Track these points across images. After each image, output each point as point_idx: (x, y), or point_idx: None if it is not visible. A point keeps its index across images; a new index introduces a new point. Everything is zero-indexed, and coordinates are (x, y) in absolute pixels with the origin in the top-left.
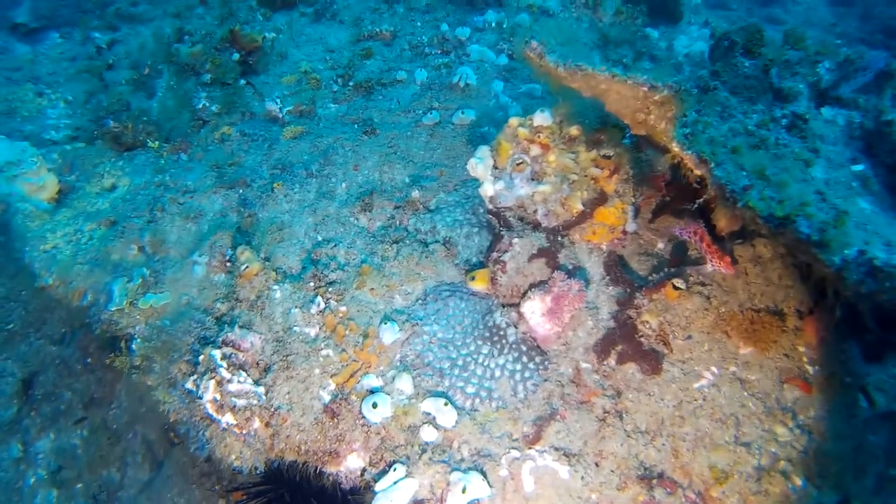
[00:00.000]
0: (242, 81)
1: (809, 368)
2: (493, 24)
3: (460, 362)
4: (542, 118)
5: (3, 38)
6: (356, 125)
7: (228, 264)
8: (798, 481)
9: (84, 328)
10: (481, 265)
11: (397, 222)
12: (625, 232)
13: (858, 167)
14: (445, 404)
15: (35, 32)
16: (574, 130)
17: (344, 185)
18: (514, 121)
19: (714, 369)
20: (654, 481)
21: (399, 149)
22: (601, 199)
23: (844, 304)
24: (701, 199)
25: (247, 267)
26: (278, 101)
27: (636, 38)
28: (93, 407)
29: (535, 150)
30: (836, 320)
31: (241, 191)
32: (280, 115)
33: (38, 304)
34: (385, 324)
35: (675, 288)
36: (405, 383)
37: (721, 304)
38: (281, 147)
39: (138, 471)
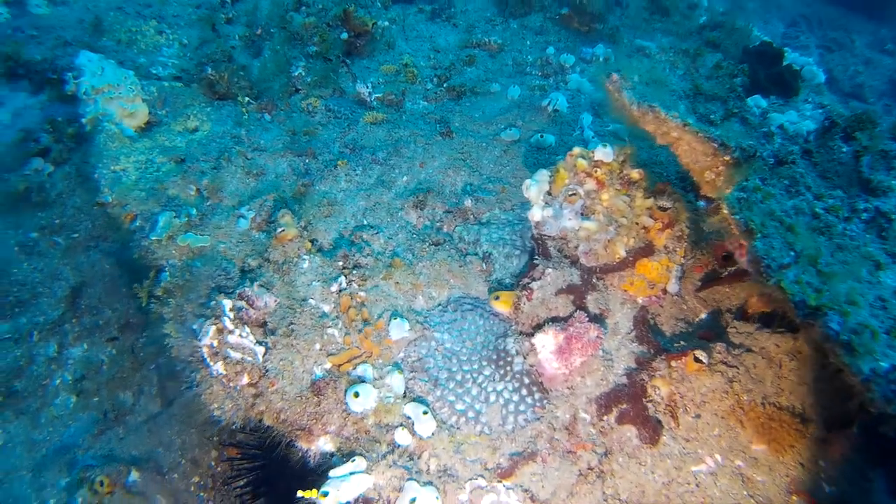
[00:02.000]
0: (342, 60)
1: (825, 487)
2: (601, 59)
3: (458, 377)
4: (603, 153)
5: None
6: (436, 124)
7: (271, 225)
8: None
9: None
10: (511, 288)
11: (444, 227)
12: (665, 291)
13: None
14: (424, 413)
15: None
16: (635, 174)
17: (405, 178)
18: (576, 150)
19: (718, 457)
20: None
21: (470, 157)
22: (647, 250)
23: (868, 424)
24: (734, 268)
25: (283, 230)
26: (370, 85)
27: (730, 96)
28: (127, 330)
29: (591, 184)
30: (857, 440)
31: (307, 160)
32: (368, 100)
33: (104, 220)
34: (396, 319)
35: (696, 360)
36: (397, 382)
37: (744, 392)
38: (358, 129)
39: (150, 402)
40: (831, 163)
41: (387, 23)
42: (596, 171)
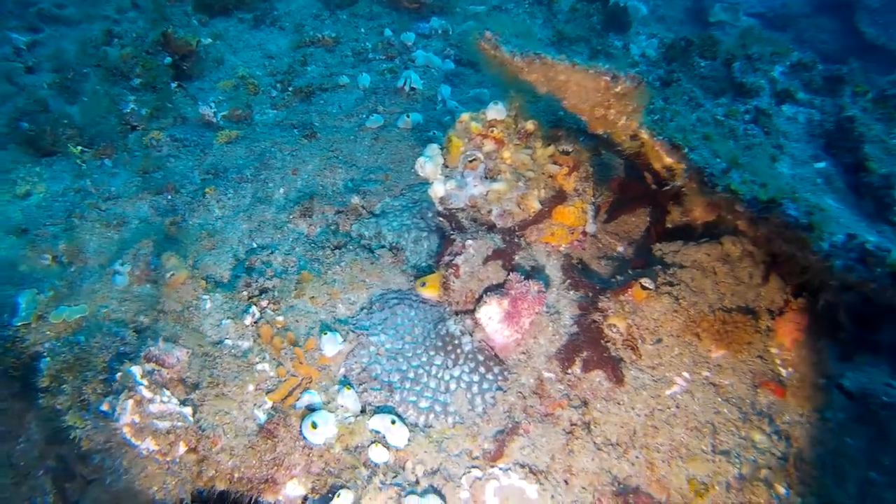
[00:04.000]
0: (174, 85)
1: (783, 371)
2: (439, 31)
3: (411, 375)
4: (496, 111)
5: None
6: (296, 129)
7: (153, 273)
8: (781, 489)
9: None
10: (431, 270)
11: (339, 228)
12: (584, 233)
13: (821, 164)
14: (393, 422)
15: None
16: (530, 125)
17: (282, 189)
18: (465, 116)
19: (686, 374)
20: (630, 497)
21: (341, 153)
22: (560, 197)
23: (821, 301)
24: (669, 187)
25: (173, 275)
26: (213, 105)
27: (591, 35)
28: None
29: (489, 145)
30: (814, 317)
31: (169, 196)
32: (214, 120)
33: None
34: (326, 334)
35: (644, 288)
36: (349, 399)
37: (690, 306)
38: (214, 152)
39: None
40: (695, 78)
41: (210, 39)
42: (492, 131)
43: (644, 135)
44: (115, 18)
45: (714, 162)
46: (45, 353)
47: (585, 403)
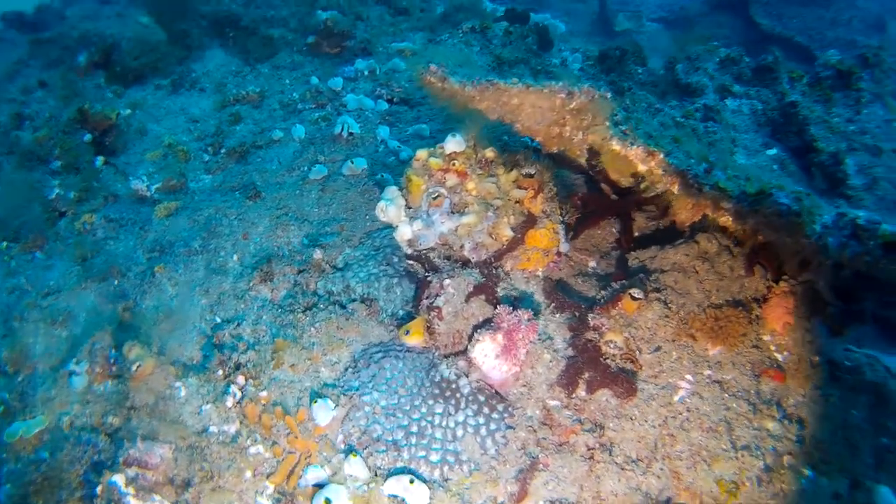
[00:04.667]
0: (99, 162)
1: (779, 356)
2: (366, 73)
3: (415, 429)
4: (454, 143)
5: None
6: (237, 192)
7: (115, 367)
8: (806, 472)
9: None
10: (410, 317)
11: (305, 287)
12: (559, 254)
13: (772, 151)
14: (412, 481)
15: None
16: (489, 153)
17: (235, 256)
18: (422, 153)
19: (689, 377)
20: None
21: (290, 209)
22: (530, 221)
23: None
24: (655, 194)
25: (139, 365)
26: (144, 178)
27: (529, 56)
28: None
29: (452, 179)
30: (800, 299)
31: (115, 282)
32: (148, 194)
33: None
34: (317, 402)
35: (634, 299)
36: (357, 467)
37: (680, 308)
38: (155, 227)
39: None
40: (636, 85)
41: (129, 110)
42: (454, 164)
43: (616, 147)
44: (21, 100)
45: (690, 163)
46: (3, 481)
47: (598, 425)
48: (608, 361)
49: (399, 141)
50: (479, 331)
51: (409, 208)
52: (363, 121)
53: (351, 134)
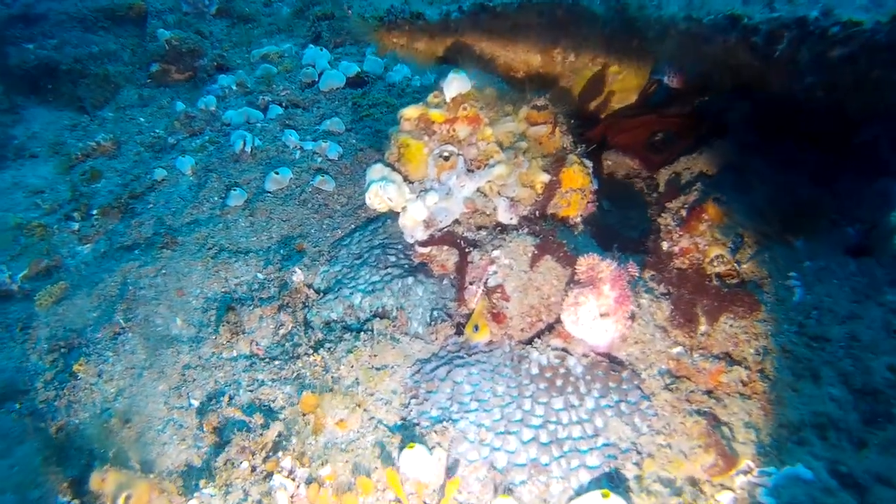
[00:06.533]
0: None
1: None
2: (234, 87)
3: (544, 438)
4: (459, 83)
5: None
6: (141, 246)
7: None
8: None
9: None
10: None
11: (292, 326)
12: (594, 192)
13: None
14: (605, 495)
15: None
16: (489, 91)
17: (179, 321)
18: (410, 110)
19: (794, 273)
20: None
21: (222, 246)
22: (559, 160)
23: None
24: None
25: (127, 497)
26: (4, 269)
27: None
28: None
29: (463, 129)
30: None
31: (17, 406)
32: (16, 287)
33: None
34: (405, 451)
35: (722, 203)
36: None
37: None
38: (44, 321)
39: None
40: None
41: None
42: (464, 110)
43: None
44: None
45: None
46: None
47: (738, 359)
48: (716, 283)
49: (313, 140)
50: (570, 290)
51: (411, 183)
52: (260, 132)
53: (255, 148)
